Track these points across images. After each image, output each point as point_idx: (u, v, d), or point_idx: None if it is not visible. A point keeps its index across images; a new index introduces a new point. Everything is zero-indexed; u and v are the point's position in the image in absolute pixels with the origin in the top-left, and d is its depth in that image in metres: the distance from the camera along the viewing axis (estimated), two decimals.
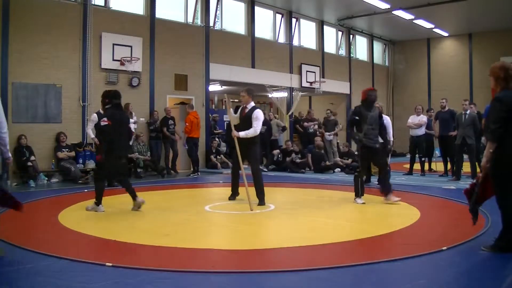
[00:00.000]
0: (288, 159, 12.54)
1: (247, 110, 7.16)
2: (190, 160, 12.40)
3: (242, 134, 6.99)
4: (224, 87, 16.98)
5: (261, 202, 7.07)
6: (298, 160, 12.51)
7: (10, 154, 4.79)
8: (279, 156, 12.89)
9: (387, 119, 9.08)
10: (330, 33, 19.39)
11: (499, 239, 4.10)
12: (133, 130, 11.63)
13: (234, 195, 7.52)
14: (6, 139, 4.56)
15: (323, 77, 18.20)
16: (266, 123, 14.29)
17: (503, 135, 4.01)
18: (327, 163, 12.48)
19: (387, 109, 22.47)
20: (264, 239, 5.03)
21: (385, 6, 15.80)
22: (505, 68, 4.15)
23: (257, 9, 16.01)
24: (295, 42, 17.64)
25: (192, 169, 12.26)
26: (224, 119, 15.85)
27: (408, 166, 11.69)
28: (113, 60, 11.62)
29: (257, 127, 7.02)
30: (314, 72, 17.81)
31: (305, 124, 14.79)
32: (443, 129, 10.50)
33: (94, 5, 11.49)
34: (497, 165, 4.06)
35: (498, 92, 4.16)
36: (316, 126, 14.59)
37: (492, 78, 4.21)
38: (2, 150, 4.60)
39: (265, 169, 12.53)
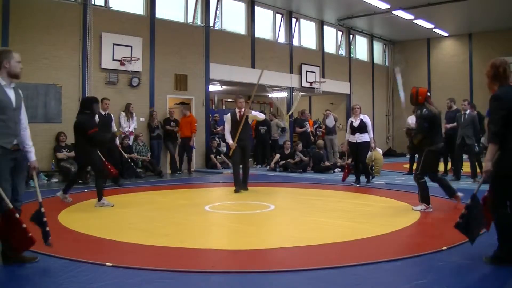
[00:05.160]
0: (291, 161, 12.51)
1: (242, 113, 8.56)
2: (176, 160, 12.65)
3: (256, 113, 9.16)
4: (224, 87, 17.01)
5: (245, 187, 8.61)
6: (297, 158, 12.49)
7: None
8: (279, 164, 12.81)
9: (366, 118, 9.39)
10: (330, 33, 19.40)
11: (499, 250, 3.88)
12: (132, 131, 11.66)
13: (239, 188, 8.55)
14: None
15: (323, 77, 18.20)
16: (265, 123, 14.34)
17: (505, 136, 3.78)
18: (327, 163, 12.48)
19: (387, 109, 22.51)
20: (264, 239, 5.03)
21: (385, 6, 15.79)
22: (495, 65, 3.93)
23: (257, 9, 16.01)
24: (295, 42, 17.63)
25: (178, 168, 12.61)
26: (224, 119, 15.88)
27: (408, 166, 11.69)
28: (113, 60, 11.62)
29: (259, 114, 9.24)
30: (314, 72, 17.81)
31: (297, 129, 14.77)
32: (448, 129, 10.48)
33: (94, 5, 11.48)
34: (498, 167, 3.84)
35: (496, 90, 3.94)
36: (308, 126, 14.56)
37: (486, 77, 4.01)
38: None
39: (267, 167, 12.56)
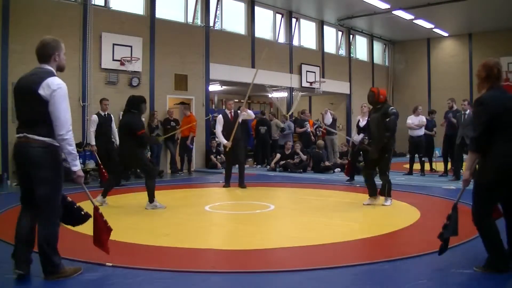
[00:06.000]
0: (291, 161, 12.50)
1: (233, 113, 9.03)
2: (176, 160, 12.68)
3: (250, 112, 9.56)
4: (224, 87, 17.00)
5: (242, 185, 8.94)
6: (297, 160, 12.51)
7: (78, 165, 3.55)
8: (279, 164, 12.80)
9: None
10: (330, 33, 19.40)
11: (490, 258, 3.70)
12: None
13: (228, 184, 9.11)
14: (64, 145, 3.39)
15: (323, 77, 18.20)
16: (266, 123, 14.33)
17: (487, 144, 3.55)
18: (327, 163, 12.48)
19: None
20: (264, 239, 5.03)
21: (385, 6, 15.80)
22: (488, 65, 3.70)
23: (257, 9, 16.02)
24: (295, 42, 17.64)
25: (179, 168, 12.63)
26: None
27: (408, 166, 11.69)
28: (113, 60, 11.62)
29: (252, 113, 9.77)
30: (314, 72, 17.81)
31: (297, 129, 14.64)
32: (449, 129, 10.49)
33: (94, 5, 11.49)
34: (480, 176, 3.65)
35: (482, 93, 3.73)
36: (308, 126, 14.52)
37: (477, 78, 3.80)
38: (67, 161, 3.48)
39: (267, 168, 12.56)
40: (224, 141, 8.84)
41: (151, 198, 6.69)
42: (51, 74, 3.39)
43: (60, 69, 3.55)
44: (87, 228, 5.31)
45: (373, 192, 6.97)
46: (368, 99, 6.94)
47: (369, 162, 7.11)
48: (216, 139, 14.08)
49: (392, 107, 6.73)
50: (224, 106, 19.28)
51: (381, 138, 6.70)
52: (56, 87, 3.30)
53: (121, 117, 7.23)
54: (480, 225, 3.65)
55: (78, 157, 3.44)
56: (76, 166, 3.44)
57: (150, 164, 7.02)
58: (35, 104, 3.31)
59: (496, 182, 3.56)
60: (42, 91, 3.27)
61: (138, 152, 6.76)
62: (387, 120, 6.59)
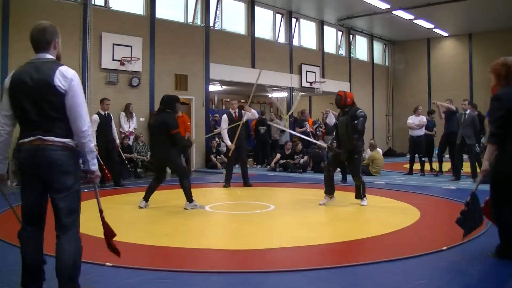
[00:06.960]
0: (291, 162, 12.52)
1: (237, 113, 9.14)
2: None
3: (254, 111, 9.55)
4: (224, 87, 17.01)
5: (247, 184, 9.11)
6: (301, 161, 12.52)
7: (95, 165, 3.07)
8: (279, 163, 12.80)
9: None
10: (330, 33, 19.40)
11: (500, 245, 3.96)
12: (132, 131, 11.68)
13: (228, 184, 9.17)
14: (87, 142, 2.94)
15: (323, 77, 18.20)
16: (266, 123, 14.33)
17: (504, 136, 3.79)
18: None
19: (387, 109, 22.51)
20: (264, 239, 5.03)
21: (385, 6, 15.80)
22: (507, 65, 3.92)
23: (257, 9, 16.02)
24: (295, 42, 17.64)
25: None
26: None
27: (408, 166, 11.69)
28: (113, 60, 11.62)
29: (256, 112, 9.91)
30: (314, 72, 17.81)
31: (297, 130, 14.58)
32: (449, 129, 10.50)
33: (94, 5, 11.49)
34: (497, 169, 3.86)
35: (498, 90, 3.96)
36: (307, 126, 14.51)
37: (493, 75, 3.99)
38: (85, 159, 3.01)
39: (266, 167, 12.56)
40: (229, 143, 8.87)
41: (190, 198, 6.67)
42: (59, 63, 2.97)
43: (58, 58, 3.09)
44: (86, 227, 5.32)
45: (330, 190, 7.02)
46: (336, 103, 7.00)
47: (333, 163, 7.18)
48: (216, 139, 14.11)
49: (360, 110, 6.76)
50: (223, 107, 19.39)
51: (350, 141, 6.73)
52: (73, 76, 2.90)
53: (154, 117, 7.19)
54: (495, 212, 3.90)
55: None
56: (95, 165, 3.04)
57: (182, 164, 7.01)
58: (51, 98, 2.83)
59: (508, 177, 3.79)
60: (58, 81, 2.83)
61: (170, 151, 6.66)
62: (355, 122, 6.62)
